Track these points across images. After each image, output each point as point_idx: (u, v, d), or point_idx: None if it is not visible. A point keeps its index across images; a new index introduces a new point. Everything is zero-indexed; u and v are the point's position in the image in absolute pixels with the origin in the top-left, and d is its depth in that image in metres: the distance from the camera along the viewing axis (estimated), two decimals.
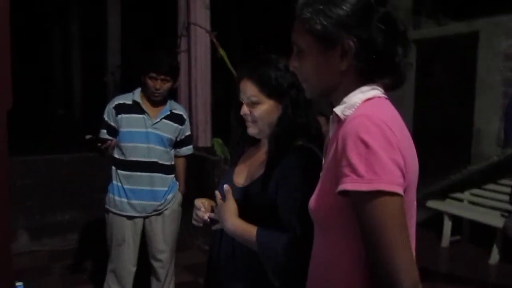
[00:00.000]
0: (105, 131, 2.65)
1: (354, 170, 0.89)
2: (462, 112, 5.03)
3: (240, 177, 1.52)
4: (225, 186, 1.42)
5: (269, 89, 1.40)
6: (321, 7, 0.99)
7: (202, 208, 1.49)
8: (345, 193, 0.91)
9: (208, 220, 1.47)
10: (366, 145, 0.88)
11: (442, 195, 4.46)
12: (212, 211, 1.48)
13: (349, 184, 0.89)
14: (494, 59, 4.64)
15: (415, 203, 1.04)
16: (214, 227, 1.47)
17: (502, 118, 4.50)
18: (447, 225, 4.44)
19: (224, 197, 1.42)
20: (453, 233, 4.48)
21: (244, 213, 1.39)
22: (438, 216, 4.58)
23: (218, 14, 4.67)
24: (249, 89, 1.42)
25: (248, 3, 7.71)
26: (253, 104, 1.42)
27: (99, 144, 2.49)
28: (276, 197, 1.34)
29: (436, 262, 4.20)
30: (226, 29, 6.56)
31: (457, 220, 4.46)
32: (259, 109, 1.41)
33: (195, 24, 4.32)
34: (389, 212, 0.88)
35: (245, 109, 1.44)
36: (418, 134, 5.42)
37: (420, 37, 5.44)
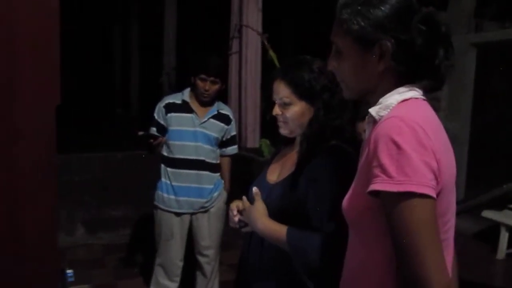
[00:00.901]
0: (154, 129, 2.75)
1: (384, 171, 0.88)
2: None
3: (273, 174, 1.54)
4: (254, 189, 1.44)
5: (301, 91, 1.41)
6: (359, 8, 1.00)
7: (235, 211, 1.52)
8: (376, 194, 0.91)
9: (238, 222, 1.50)
10: (397, 146, 0.87)
11: (499, 205, 4.24)
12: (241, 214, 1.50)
13: (379, 185, 0.89)
14: None
15: (453, 207, 1.01)
16: (243, 230, 1.50)
17: None
18: (504, 236, 4.22)
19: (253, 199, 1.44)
20: (510, 245, 4.26)
21: (273, 210, 1.40)
22: (494, 228, 4.37)
23: (271, 17, 4.70)
24: (281, 90, 1.44)
25: (302, 6, 7.70)
26: (285, 105, 1.43)
27: (151, 140, 2.58)
28: (305, 195, 1.34)
29: (490, 275, 4.01)
30: (278, 32, 6.59)
31: None
32: (290, 110, 1.43)
33: (247, 26, 4.37)
34: (419, 215, 0.86)
35: (277, 110, 1.46)
36: (476, 144, 5.18)
37: (482, 40, 5.18)
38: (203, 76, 2.65)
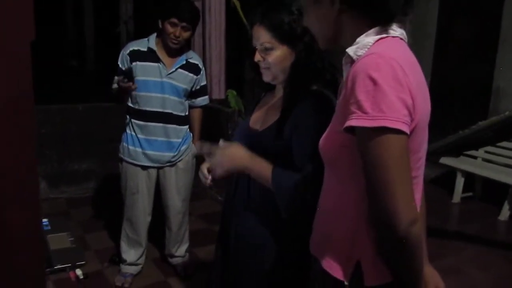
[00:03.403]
0: (121, 77, 2.58)
1: (360, 107, 0.89)
2: (483, 68, 4.90)
3: (257, 123, 1.53)
4: (220, 142, 1.46)
5: (282, 35, 1.39)
6: None
7: (206, 173, 1.53)
8: (352, 130, 0.93)
9: (211, 184, 1.52)
10: (374, 82, 0.88)
11: (455, 152, 4.44)
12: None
13: (355, 121, 0.90)
14: None
15: (425, 145, 1.05)
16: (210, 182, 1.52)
17: None
18: (460, 181, 4.45)
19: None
20: (466, 190, 4.50)
21: (260, 157, 1.41)
22: (451, 173, 4.59)
23: None
24: (262, 35, 1.40)
25: None
26: (266, 51, 1.41)
27: (127, 81, 2.42)
28: (290, 141, 1.36)
29: (446, 218, 4.25)
30: None
31: (470, 177, 4.47)
32: (272, 55, 1.40)
33: None
34: (392, 149, 0.89)
35: (258, 56, 1.43)
36: (436, 89, 5.32)
37: None
38: (174, 20, 2.46)
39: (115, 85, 2.54)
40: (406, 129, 0.89)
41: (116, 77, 2.59)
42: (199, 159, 2.82)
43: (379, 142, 0.88)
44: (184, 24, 2.48)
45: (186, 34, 2.53)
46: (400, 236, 0.89)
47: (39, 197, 1.09)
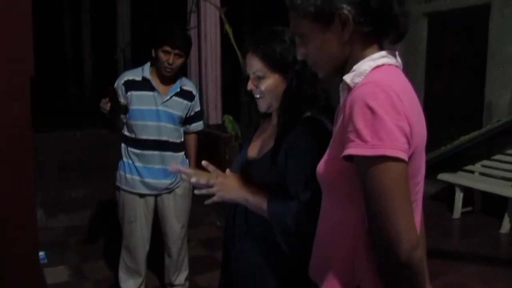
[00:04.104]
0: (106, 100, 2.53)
1: (359, 136, 0.91)
2: (473, 85, 4.97)
3: (254, 150, 1.55)
4: (203, 163, 1.45)
5: (274, 64, 1.41)
6: None
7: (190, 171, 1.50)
8: (351, 158, 0.94)
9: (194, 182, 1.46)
10: (372, 111, 0.90)
11: (454, 167, 4.46)
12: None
13: (354, 149, 0.92)
14: (506, 31, 4.55)
15: (423, 169, 1.06)
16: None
17: None
18: (459, 196, 4.46)
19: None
20: (465, 205, 4.50)
21: (256, 185, 1.43)
22: (449, 189, 4.60)
23: None
24: (254, 64, 1.43)
25: None
26: (258, 79, 1.43)
27: (119, 100, 2.40)
28: (285, 168, 1.37)
29: (447, 233, 4.25)
30: (238, 6, 6.46)
31: (468, 192, 4.48)
32: (264, 83, 1.43)
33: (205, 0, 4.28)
34: (391, 177, 0.90)
35: (250, 84, 1.46)
36: (429, 107, 5.38)
37: (432, 10, 5.36)
38: (167, 48, 2.49)
39: (112, 88, 2.50)
40: (405, 156, 0.91)
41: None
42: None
43: (379, 170, 0.90)
44: (176, 51, 2.51)
45: (179, 61, 2.56)
46: (403, 262, 0.90)
47: (36, 232, 1.10)
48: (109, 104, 2.39)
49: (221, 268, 1.66)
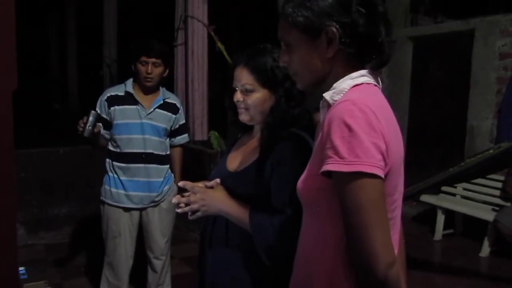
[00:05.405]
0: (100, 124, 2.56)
1: (337, 152, 0.92)
2: (456, 109, 5.08)
3: (233, 163, 1.55)
4: (216, 180, 1.46)
5: (264, 79, 1.44)
6: (301, 0, 1.05)
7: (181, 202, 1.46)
8: (329, 174, 0.95)
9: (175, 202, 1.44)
10: (349, 128, 0.92)
11: (436, 190, 4.52)
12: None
13: (331, 165, 0.93)
14: (489, 58, 4.67)
15: (400, 187, 1.07)
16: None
17: (496, 116, 4.57)
18: (440, 218, 4.50)
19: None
20: (446, 227, 4.55)
21: (237, 198, 1.42)
22: (431, 211, 4.65)
23: (218, 8, 4.67)
24: (244, 77, 1.45)
25: None
26: (247, 92, 1.45)
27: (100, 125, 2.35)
28: (270, 181, 1.38)
29: (428, 255, 4.27)
30: (225, 23, 6.53)
31: (450, 214, 4.52)
32: (252, 97, 1.45)
33: (192, 17, 4.33)
34: (368, 193, 0.91)
35: (238, 96, 1.47)
36: (413, 129, 5.48)
37: (417, 34, 5.49)
38: (143, 58, 2.53)
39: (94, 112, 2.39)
40: (381, 173, 0.92)
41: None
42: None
43: (356, 186, 0.91)
44: (153, 59, 2.55)
45: (157, 70, 2.59)
46: (379, 280, 0.90)
47: (17, 247, 1.08)
48: (87, 127, 2.30)
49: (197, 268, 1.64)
